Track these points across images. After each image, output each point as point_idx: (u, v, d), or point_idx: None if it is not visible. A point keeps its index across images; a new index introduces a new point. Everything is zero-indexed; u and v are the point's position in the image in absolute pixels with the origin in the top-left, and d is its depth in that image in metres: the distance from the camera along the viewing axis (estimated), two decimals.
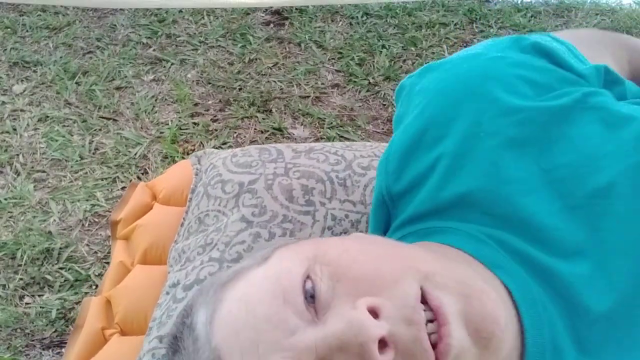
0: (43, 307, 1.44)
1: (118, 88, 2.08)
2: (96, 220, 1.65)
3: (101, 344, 0.84)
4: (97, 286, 1.46)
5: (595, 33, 0.80)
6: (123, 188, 1.70)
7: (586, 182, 0.56)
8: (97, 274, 1.50)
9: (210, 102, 2.03)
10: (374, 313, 0.47)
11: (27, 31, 2.31)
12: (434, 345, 0.46)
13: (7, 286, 1.48)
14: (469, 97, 0.61)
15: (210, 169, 0.91)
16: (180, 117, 1.95)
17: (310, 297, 0.49)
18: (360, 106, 2.03)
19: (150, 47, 2.26)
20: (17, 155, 1.83)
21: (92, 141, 1.88)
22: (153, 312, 0.79)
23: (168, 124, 1.93)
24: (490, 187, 0.58)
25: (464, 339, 0.46)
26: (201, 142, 1.85)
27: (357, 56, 2.21)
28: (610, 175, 0.55)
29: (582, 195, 0.55)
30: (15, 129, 1.91)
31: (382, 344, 0.46)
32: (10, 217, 1.64)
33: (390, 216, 0.66)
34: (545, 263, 0.54)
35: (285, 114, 1.99)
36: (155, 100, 2.03)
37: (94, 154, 1.84)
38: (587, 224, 0.54)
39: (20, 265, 1.52)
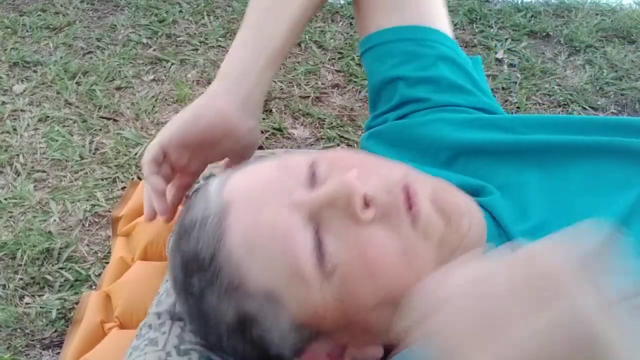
0: (43, 307, 1.43)
1: (118, 88, 2.08)
2: (96, 220, 1.65)
3: (100, 337, 0.84)
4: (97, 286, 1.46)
5: None
6: (123, 188, 1.70)
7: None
8: (97, 274, 1.50)
9: None
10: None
11: (27, 31, 2.31)
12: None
13: (7, 286, 1.48)
14: None
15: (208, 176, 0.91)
16: None
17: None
18: (360, 106, 2.03)
19: (150, 47, 2.26)
20: (17, 155, 1.83)
21: (92, 141, 1.88)
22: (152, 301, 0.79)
23: None
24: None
25: (431, 211, 0.56)
26: None
27: (357, 56, 2.21)
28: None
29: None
30: (15, 129, 1.91)
31: (365, 205, 0.55)
32: (10, 217, 1.64)
33: None
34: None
35: (285, 114, 1.99)
36: (156, 100, 2.03)
37: (94, 154, 1.84)
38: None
39: (20, 265, 1.52)
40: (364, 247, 0.54)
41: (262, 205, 0.56)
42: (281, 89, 2.08)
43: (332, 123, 1.95)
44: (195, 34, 2.32)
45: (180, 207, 0.76)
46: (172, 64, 2.18)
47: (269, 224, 0.55)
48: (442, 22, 0.84)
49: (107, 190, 1.73)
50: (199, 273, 0.57)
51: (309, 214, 0.55)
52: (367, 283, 0.54)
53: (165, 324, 0.69)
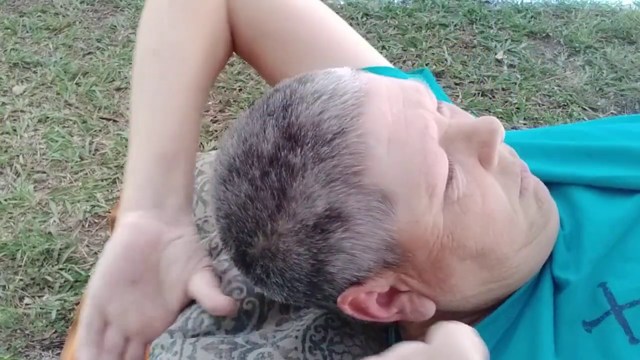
0: (43, 308, 1.44)
1: (118, 89, 2.08)
2: (96, 221, 1.65)
3: None
4: None
5: None
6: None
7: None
8: None
9: (210, 102, 2.03)
10: None
11: (27, 32, 2.31)
12: None
13: (7, 287, 1.48)
14: None
15: (197, 174, 0.89)
16: None
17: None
18: None
19: None
20: (17, 156, 1.83)
21: (92, 142, 1.88)
22: None
23: None
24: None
25: (532, 192, 0.57)
26: (201, 143, 1.86)
27: None
28: None
29: None
30: (15, 130, 1.91)
31: None
32: (10, 218, 1.64)
33: None
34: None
35: None
36: None
37: (94, 154, 1.84)
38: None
39: (20, 266, 1.52)
40: (487, 191, 0.52)
41: (407, 104, 0.52)
42: None
43: None
44: None
45: None
46: None
47: (419, 124, 0.50)
48: (379, 57, 0.79)
49: (107, 191, 1.73)
50: (310, 145, 0.49)
51: (442, 137, 0.52)
52: (479, 228, 0.52)
53: (176, 343, 0.68)
